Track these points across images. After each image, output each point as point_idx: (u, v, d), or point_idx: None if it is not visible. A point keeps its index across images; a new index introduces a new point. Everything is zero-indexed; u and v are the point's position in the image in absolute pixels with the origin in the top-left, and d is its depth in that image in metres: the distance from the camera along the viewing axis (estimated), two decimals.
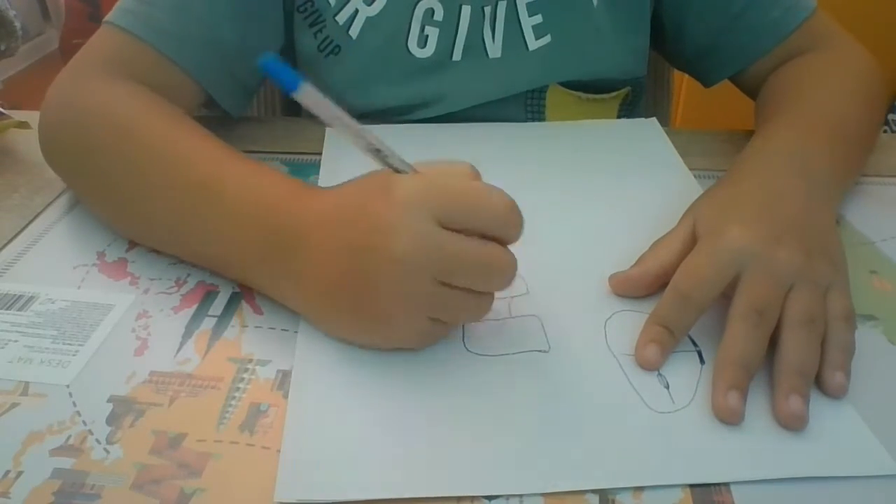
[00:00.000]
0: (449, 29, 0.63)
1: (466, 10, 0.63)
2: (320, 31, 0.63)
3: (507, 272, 0.37)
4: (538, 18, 0.64)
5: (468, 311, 0.39)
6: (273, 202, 0.41)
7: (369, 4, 0.62)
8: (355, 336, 0.40)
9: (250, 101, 0.66)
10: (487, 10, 0.63)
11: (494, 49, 0.65)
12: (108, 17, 0.55)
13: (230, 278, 0.45)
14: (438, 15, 0.63)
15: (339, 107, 0.35)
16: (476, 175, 0.38)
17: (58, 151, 0.52)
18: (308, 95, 0.34)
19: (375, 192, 0.38)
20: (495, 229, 0.37)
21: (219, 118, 0.63)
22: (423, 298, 0.37)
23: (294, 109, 0.78)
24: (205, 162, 0.45)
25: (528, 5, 0.64)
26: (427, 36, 0.63)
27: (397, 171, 0.38)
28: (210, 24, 0.56)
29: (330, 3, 0.62)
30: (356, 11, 0.62)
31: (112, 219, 0.50)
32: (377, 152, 0.37)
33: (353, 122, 0.36)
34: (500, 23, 0.64)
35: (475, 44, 0.64)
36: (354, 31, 0.63)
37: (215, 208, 0.43)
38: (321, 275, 0.39)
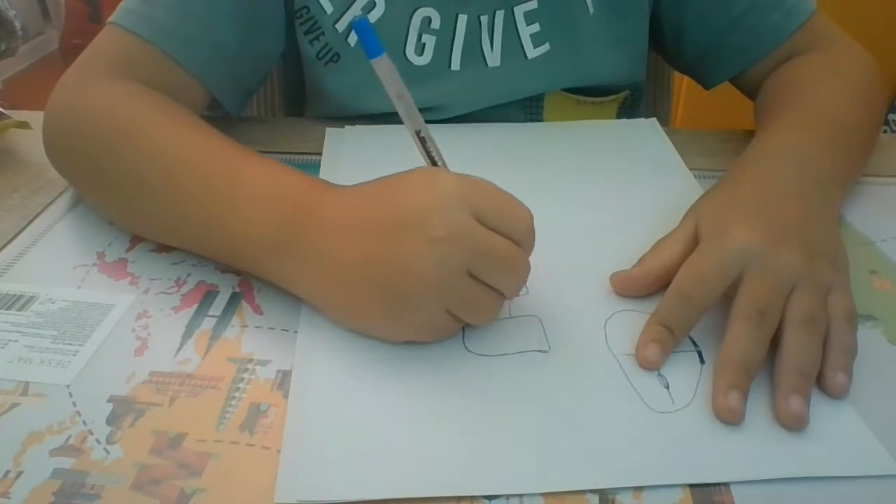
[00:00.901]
0: (446, 37, 0.63)
1: (463, 19, 0.63)
2: (317, 38, 0.64)
3: (525, 275, 0.40)
4: (536, 27, 0.64)
5: (485, 309, 0.39)
6: (292, 191, 0.42)
7: (368, 12, 0.62)
8: (369, 321, 0.40)
9: (249, 100, 0.66)
10: (484, 18, 0.63)
11: (493, 58, 0.65)
12: (113, 17, 0.55)
13: (242, 269, 0.45)
14: (435, 23, 0.63)
15: (405, 87, 0.39)
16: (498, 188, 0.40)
17: (62, 152, 0.52)
18: (383, 65, 0.39)
19: (416, 182, 0.39)
20: (520, 237, 0.39)
21: (219, 118, 0.63)
22: (449, 285, 0.37)
23: (294, 109, 0.78)
24: (213, 154, 0.45)
25: (526, 14, 0.64)
26: (424, 44, 0.63)
27: (433, 163, 0.40)
28: (212, 25, 0.56)
29: (327, 11, 0.62)
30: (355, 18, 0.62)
31: (120, 216, 0.50)
32: (423, 140, 0.40)
33: (413, 106, 0.39)
34: (499, 32, 0.64)
35: (474, 53, 0.64)
36: (353, 39, 0.63)
37: (231, 198, 0.43)
38: (344, 256, 0.39)
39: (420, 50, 0.63)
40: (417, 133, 0.39)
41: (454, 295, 0.38)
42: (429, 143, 0.40)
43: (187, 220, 0.45)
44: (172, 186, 0.45)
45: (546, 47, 0.65)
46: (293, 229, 0.41)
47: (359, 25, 0.37)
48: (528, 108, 0.68)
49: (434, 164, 0.41)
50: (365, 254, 0.38)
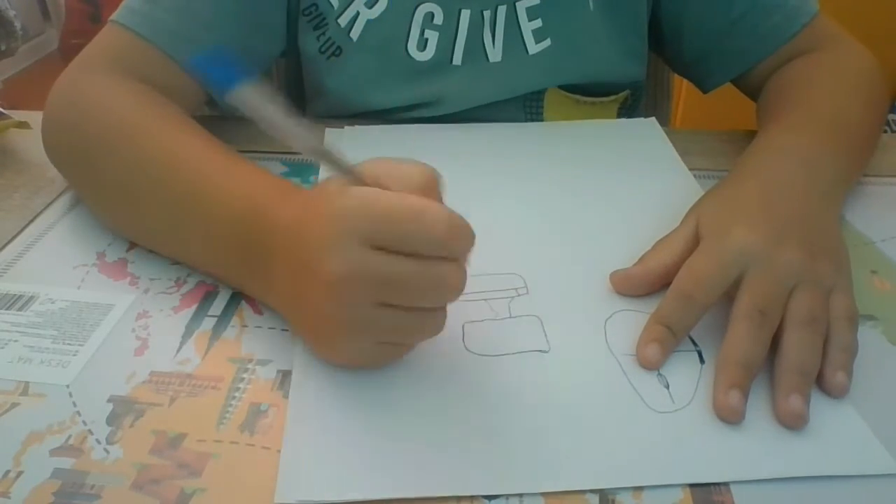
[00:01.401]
0: (448, 33, 0.63)
1: (466, 15, 0.63)
2: (323, 33, 0.64)
3: (452, 287, 0.35)
4: (538, 23, 0.64)
5: (418, 330, 0.37)
6: (252, 210, 0.41)
7: (370, 7, 0.62)
8: (318, 353, 0.39)
9: None
10: (487, 14, 0.63)
11: (495, 53, 0.65)
12: (114, 15, 0.55)
13: (219, 280, 0.46)
14: (438, 19, 0.63)
15: (282, 108, 0.33)
16: (431, 178, 0.36)
17: (60, 149, 0.52)
18: (245, 96, 0.32)
19: (316, 210, 0.36)
20: (432, 249, 0.34)
21: (219, 118, 0.63)
22: (364, 322, 0.35)
23: (295, 110, 0.78)
24: (192, 162, 0.45)
25: (528, 10, 0.64)
26: (427, 39, 0.63)
27: (346, 176, 0.36)
28: (212, 25, 0.56)
29: (333, 6, 0.62)
30: (357, 14, 0.63)
31: (108, 218, 0.50)
32: (321, 154, 0.35)
33: (295, 124, 0.34)
34: (501, 27, 0.64)
35: (476, 48, 0.64)
36: (355, 34, 0.63)
37: (199, 212, 0.43)
38: (284, 286, 0.39)
39: (423, 45, 0.63)
40: (314, 151, 0.35)
41: (374, 328, 0.36)
42: (331, 157, 0.35)
43: (167, 227, 0.46)
44: (155, 193, 0.45)
45: (547, 43, 0.65)
46: (249, 251, 0.41)
47: (198, 63, 0.32)
48: (528, 108, 0.68)
49: (347, 176, 0.36)
50: (295, 289, 0.38)
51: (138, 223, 0.48)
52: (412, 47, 0.64)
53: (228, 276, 0.44)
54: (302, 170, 0.58)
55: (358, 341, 0.37)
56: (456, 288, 0.35)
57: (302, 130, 0.34)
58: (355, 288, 0.34)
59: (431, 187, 0.36)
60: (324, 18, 0.63)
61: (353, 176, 0.36)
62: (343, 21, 0.63)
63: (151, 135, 0.47)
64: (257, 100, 0.32)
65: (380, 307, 0.35)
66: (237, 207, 0.42)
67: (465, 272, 0.35)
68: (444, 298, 0.36)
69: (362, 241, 0.34)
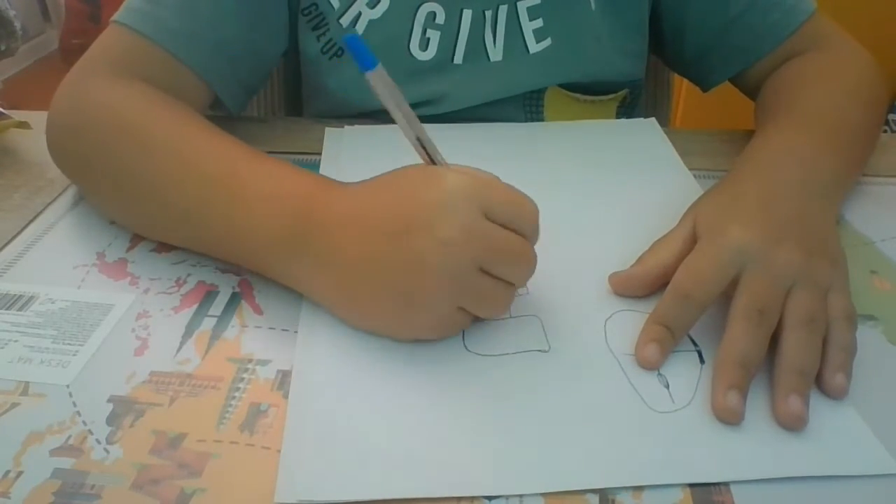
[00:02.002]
0: (450, 32, 0.63)
1: (468, 14, 0.63)
2: (323, 34, 0.64)
3: (533, 265, 0.40)
4: (539, 22, 0.64)
5: (498, 301, 0.40)
6: (298, 190, 0.42)
7: (372, 7, 0.62)
8: (379, 321, 0.40)
9: (251, 99, 0.66)
10: (488, 13, 0.63)
11: (496, 52, 0.65)
12: (116, 16, 0.55)
13: (249, 268, 0.45)
14: (440, 18, 0.63)
15: (398, 94, 0.39)
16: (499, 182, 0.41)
17: (66, 151, 0.52)
18: (379, 77, 0.38)
19: (422, 181, 0.39)
20: (526, 229, 0.39)
21: (220, 118, 0.63)
22: (460, 283, 0.38)
23: (294, 109, 0.78)
24: (216, 153, 0.45)
25: (529, 9, 0.64)
26: (428, 39, 0.63)
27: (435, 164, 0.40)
28: (216, 24, 0.56)
29: (334, 7, 0.63)
30: (359, 14, 0.63)
31: (122, 215, 0.50)
32: (425, 144, 0.40)
33: (412, 114, 0.39)
34: (502, 26, 0.64)
35: (477, 47, 0.64)
36: (357, 32, 0.63)
37: (236, 198, 0.43)
38: (352, 257, 0.39)
39: (424, 45, 0.64)
40: (419, 140, 0.40)
41: (466, 292, 0.38)
42: (429, 148, 0.40)
43: (190, 219, 0.45)
44: (175, 186, 0.45)
45: (548, 42, 0.65)
46: (299, 228, 0.41)
47: (351, 41, 0.37)
48: (528, 107, 0.68)
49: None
50: (374, 253, 0.39)
51: (154, 216, 0.47)
52: (414, 47, 0.64)
53: (256, 256, 0.43)
54: None
55: (448, 301, 0.38)
56: (533, 268, 0.40)
57: (413, 120, 0.39)
58: (469, 246, 0.37)
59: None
60: (323, 19, 0.63)
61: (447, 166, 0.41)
62: (345, 21, 0.63)
63: (166, 127, 0.48)
64: (384, 84, 0.38)
65: (478, 272, 0.38)
66: (273, 184, 0.43)
67: (536, 256, 0.40)
68: (526, 276, 0.40)
69: (477, 209, 0.38)
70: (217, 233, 0.44)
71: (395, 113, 0.39)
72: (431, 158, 0.40)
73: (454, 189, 0.38)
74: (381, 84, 0.38)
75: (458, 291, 0.38)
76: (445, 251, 0.37)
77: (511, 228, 0.38)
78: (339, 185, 0.43)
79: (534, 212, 0.40)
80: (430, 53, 0.64)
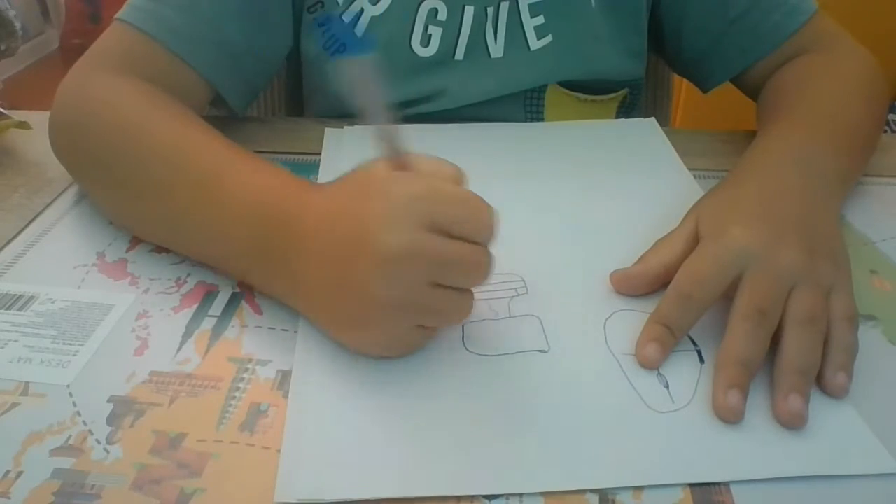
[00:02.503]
0: (452, 29, 0.64)
1: (469, 11, 0.63)
2: (328, 29, 0.64)
3: (486, 268, 0.38)
4: (540, 19, 0.65)
5: (454, 311, 0.39)
6: (271, 200, 0.42)
7: (374, 4, 0.62)
8: (344, 339, 0.40)
9: (255, 98, 0.66)
10: (490, 10, 0.63)
11: (497, 49, 0.65)
12: (120, 14, 0.55)
13: (230, 276, 0.45)
14: (442, 15, 0.63)
15: (378, 89, 0.37)
16: (462, 178, 0.39)
17: (67, 148, 0.52)
18: (353, 66, 0.36)
19: (369, 192, 0.38)
20: (477, 234, 0.37)
21: (220, 117, 0.63)
22: (409, 304, 0.37)
23: (295, 109, 0.78)
24: (206, 159, 0.45)
25: (531, 6, 0.64)
26: (430, 35, 0.63)
27: (395, 161, 0.38)
28: (218, 24, 0.56)
29: (338, 2, 0.63)
30: (362, 10, 0.63)
31: (118, 216, 0.51)
32: (387, 138, 0.38)
33: (380, 105, 0.37)
34: (503, 23, 0.64)
35: (478, 43, 0.64)
36: (360, 30, 0.63)
37: (215, 206, 0.43)
38: (315, 276, 0.39)
39: (426, 41, 0.64)
40: (380, 132, 0.38)
41: (418, 310, 0.37)
42: (392, 140, 0.38)
43: (178, 223, 0.46)
44: (163, 189, 0.45)
45: (549, 39, 0.65)
46: (269, 244, 0.41)
47: (327, 20, 0.35)
48: (528, 107, 0.69)
49: (396, 162, 0.39)
50: (328, 277, 0.38)
51: (148, 219, 0.48)
52: (416, 43, 0.64)
53: (239, 267, 0.44)
54: (302, 170, 0.58)
55: (399, 322, 0.37)
56: (489, 271, 0.38)
57: (383, 112, 0.37)
58: (413, 265, 0.36)
59: (461, 183, 0.39)
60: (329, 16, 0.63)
61: (403, 165, 0.38)
62: (347, 17, 0.63)
63: (159, 129, 0.48)
64: (361, 74, 0.36)
65: (429, 286, 0.36)
66: (253, 196, 0.42)
67: (493, 256, 0.38)
68: (480, 281, 0.38)
69: (421, 222, 0.36)
70: (199, 241, 0.45)
71: (366, 103, 0.37)
72: (391, 151, 0.38)
73: (397, 205, 0.36)
74: (357, 73, 0.36)
75: (410, 311, 0.37)
76: (390, 273, 0.36)
77: (460, 236, 0.36)
78: (310, 191, 0.42)
79: (485, 215, 0.37)
80: (431, 49, 0.64)
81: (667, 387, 0.38)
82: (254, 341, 0.41)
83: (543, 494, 0.33)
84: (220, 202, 0.43)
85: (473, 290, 0.39)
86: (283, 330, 0.42)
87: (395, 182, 0.38)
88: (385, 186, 0.37)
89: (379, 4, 0.63)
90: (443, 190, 0.38)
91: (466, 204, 0.38)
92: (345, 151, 0.60)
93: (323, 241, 0.38)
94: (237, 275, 0.45)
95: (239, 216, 0.42)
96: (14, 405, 0.37)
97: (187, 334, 0.42)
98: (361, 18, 0.63)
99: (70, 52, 2.64)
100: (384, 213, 0.36)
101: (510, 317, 0.43)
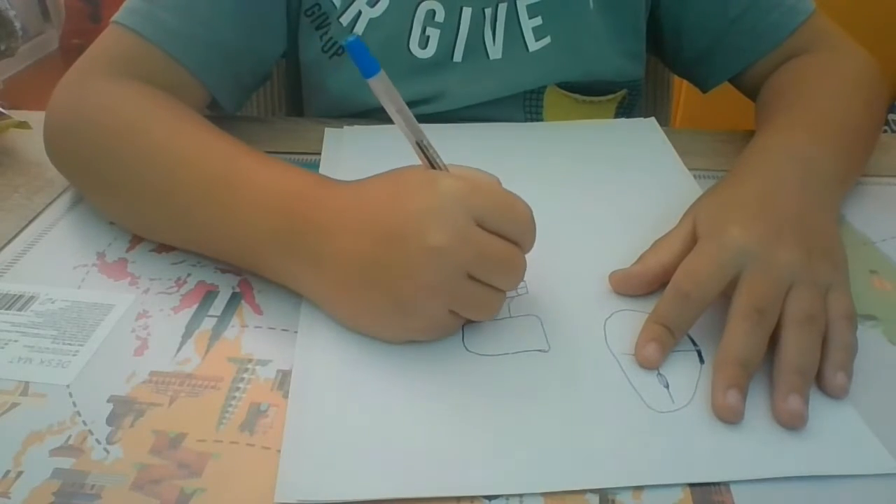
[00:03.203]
0: (450, 30, 0.64)
1: (467, 12, 0.63)
2: (325, 32, 0.64)
3: (522, 272, 0.40)
4: (538, 20, 0.65)
5: (486, 306, 0.40)
6: (294, 189, 0.42)
7: (372, 6, 0.63)
8: (371, 323, 0.40)
9: (247, 99, 0.66)
10: (488, 11, 0.63)
11: (495, 50, 0.65)
12: (116, 16, 0.55)
13: (244, 267, 0.45)
14: (439, 16, 0.63)
15: (398, 98, 0.39)
16: (500, 184, 0.41)
17: (64, 151, 0.52)
18: (380, 83, 0.38)
19: (417, 185, 0.39)
20: (519, 236, 0.39)
21: (219, 118, 0.63)
22: (450, 289, 0.38)
23: (294, 109, 0.79)
24: (220, 153, 0.45)
25: (529, 7, 0.64)
26: (428, 37, 0.63)
27: (435, 168, 0.40)
28: (213, 25, 0.56)
29: (335, 5, 0.63)
30: (359, 13, 0.63)
31: (121, 216, 0.50)
32: (423, 147, 0.40)
33: (412, 118, 0.39)
34: (501, 24, 0.64)
35: (476, 45, 0.64)
36: (357, 32, 0.63)
37: (233, 197, 0.43)
38: (346, 258, 0.39)
39: (424, 43, 0.64)
40: (419, 143, 0.40)
41: (455, 297, 0.38)
42: (430, 152, 0.40)
43: (188, 219, 0.45)
44: (173, 186, 0.45)
45: (547, 40, 0.65)
46: (293, 226, 0.41)
47: (352, 46, 0.37)
48: (527, 108, 0.69)
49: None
50: (364, 256, 0.39)
51: (156, 218, 0.48)
52: (413, 45, 0.64)
53: (252, 255, 0.44)
54: None
55: (438, 306, 0.38)
56: (522, 275, 0.40)
57: (412, 122, 0.40)
58: (457, 254, 0.37)
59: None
60: (326, 18, 0.63)
61: (446, 171, 0.40)
62: (345, 20, 0.63)
63: (165, 126, 0.48)
64: (385, 89, 0.39)
65: (466, 278, 0.38)
66: (275, 191, 0.42)
67: (527, 263, 0.40)
68: (514, 283, 0.40)
69: (468, 216, 0.37)
70: (213, 232, 0.45)
71: (396, 117, 0.39)
72: (431, 162, 0.40)
73: (446, 195, 0.38)
74: (382, 89, 0.38)
75: (447, 297, 0.38)
76: (434, 257, 0.37)
77: (502, 235, 0.38)
78: (334, 183, 0.43)
79: (527, 219, 0.40)
80: (429, 51, 0.64)
81: (667, 387, 0.38)
82: (254, 341, 0.41)
83: (543, 494, 0.33)
84: (233, 193, 0.43)
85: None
86: (283, 330, 0.42)
87: (441, 178, 0.39)
88: (431, 181, 0.39)
89: (377, 7, 0.63)
90: (487, 188, 0.39)
91: (512, 205, 0.39)
92: (345, 151, 0.61)
93: (359, 231, 0.39)
94: (248, 264, 0.45)
95: (259, 208, 0.42)
96: (14, 405, 0.37)
97: (187, 334, 0.42)
98: (359, 21, 0.63)
99: (70, 52, 2.64)
100: (432, 205, 0.38)
101: (510, 317, 0.43)
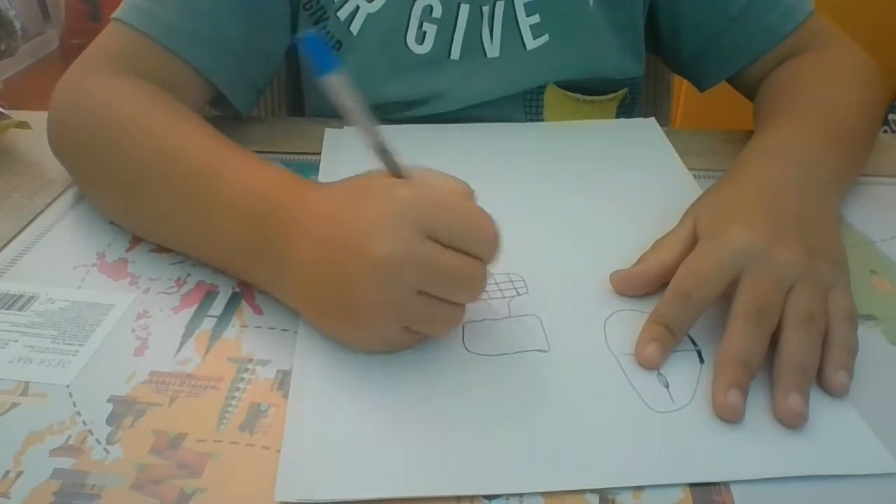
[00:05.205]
0: (447, 27, 0.63)
1: (465, 9, 0.63)
2: (324, 27, 0.64)
3: (480, 286, 0.38)
4: (536, 18, 0.65)
5: (440, 321, 0.39)
6: (265, 194, 0.42)
7: (370, 1, 0.62)
8: (332, 333, 0.40)
9: (259, 98, 0.66)
10: (485, 9, 0.63)
11: (493, 49, 0.65)
12: (117, 13, 0.55)
13: (229, 274, 0.45)
14: (437, 12, 0.63)
15: (359, 99, 0.37)
16: (470, 193, 0.39)
17: (65, 147, 0.52)
18: (335, 82, 0.36)
19: (369, 193, 0.38)
20: (478, 250, 0.37)
21: (220, 118, 0.63)
22: (397, 305, 0.37)
23: (295, 109, 0.79)
24: (201, 155, 0.45)
25: (526, 5, 0.64)
26: (425, 32, 0.63)
27: (398, 175, 0.38)
28: (215, 21, 0.56)
29: (334, 0, 0.63)
30: (357, 8, 0.63)
31: (116, 214, 0.51)
32: (383, 152, 0.38)
33: (369, 118, 0.37)
34: (499, 23, 0.64)
35: (473, 43, 0.64)
36: (355, 28, 0.63)
37: (209, 202, 0.43)
38: (306, 271, 0.39)
39: (421, 38, 0.64)
40: (378, 147, 0.38)
41: (404, 313, 0.37)
42: (390, 154, 0.38)
43: (175, 221, 0.46)
44: (163, 187, 0.45)
45: (545, 39, 0.65)
46: (267, 233, 0.41)
47: (307, 42, 0.35)
48: (528, 108, 0.68)
49: (399, 176, 0.39)
50: (321, 267, 0.38)
51: (146, 216, 0.48)
52: (411, 40, 0.64)
53: (235, 263, 0.44)
54: (302, 170, 0.58)
55: (388, 323, 0.37)
56: (482, 289, 0.38)
57: (371, 126, 0.37)
58: (403, 270, 0.36)
59: (468, 199, 0.39)
60: (325, 12, 0.63)
61: (409, 176, 0.38)
62: (343, 14, 0.63)
63: (155, 126, 0.48)
64: (343, 90, 0.36)
65: (417, 293, 0.36)
66: (249, 189, 0.42)
67: (487, 276, 0.38)
68: (472, 297, 0.38)
69: (418, 228, 0.36)
70: (195, 238, 0.45)
71: (354, 119, 0.37)
72: (393, 168, 0.38)
73: (397, 206, 0.36)
74: (339, 88, 0.36)
75: (395, 313, 0.37)
76: (378, 272, 0.36)
77: (459, 248, 0.37)
78: (307, 187, 0.42)
79: (488, 232, 0.38)
80: (426, 47, 0.64)
81: (667, 387, 0.38)
82: (254, 341, 0.41)
83: (543, 494, 0.33)
84: (213, 197, 0.43)
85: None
86: (283, 330, 0.42)
87: (395, 187, 0.38)
88: (385, 190, 0.38)
89: (374, 2, 0.63)
90: (443, 199, 0.38)
91: (467, 216, 0.38)
92: (345, 151, 0.61)
93: (317, 239, 0.39)
94: (235, 271, 0.45)
95: (234, 210, 0.42)
96: (14, 405, 0.37)
97: (187, 334, 0.42)
98: (357, 15, 0.63)
99: (70, 51, 2.64)
100: (381, 215, 0.37)
101: (510, 317, 0.43)
